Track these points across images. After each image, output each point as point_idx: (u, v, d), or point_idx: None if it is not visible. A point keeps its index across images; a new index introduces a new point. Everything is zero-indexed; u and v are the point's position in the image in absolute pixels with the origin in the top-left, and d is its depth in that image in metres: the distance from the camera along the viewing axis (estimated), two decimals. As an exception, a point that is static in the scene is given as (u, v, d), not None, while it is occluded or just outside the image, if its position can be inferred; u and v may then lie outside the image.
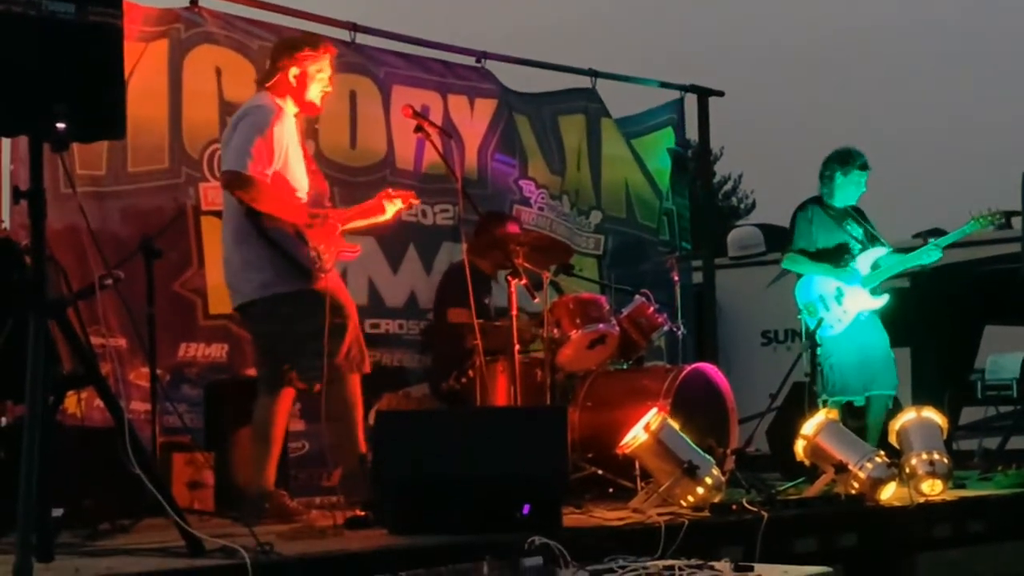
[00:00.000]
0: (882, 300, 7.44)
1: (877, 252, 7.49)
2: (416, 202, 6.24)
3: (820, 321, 7.21)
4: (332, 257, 5.62)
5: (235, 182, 5.48)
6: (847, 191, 7.54)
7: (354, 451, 5.59)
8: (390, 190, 6.01)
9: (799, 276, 7.58)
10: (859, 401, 7.41)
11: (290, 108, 5.73)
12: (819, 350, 7.04)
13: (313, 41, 5.93)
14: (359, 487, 5.49)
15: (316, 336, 5.47)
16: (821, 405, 6.86)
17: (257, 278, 5.56)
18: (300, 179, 5.72)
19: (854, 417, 7.42)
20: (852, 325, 7.38)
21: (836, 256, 7.45)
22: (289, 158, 5.63)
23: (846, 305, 7.38)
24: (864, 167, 7.52)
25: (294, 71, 5.71)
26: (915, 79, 65.81)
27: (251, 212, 5.50)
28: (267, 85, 5.75)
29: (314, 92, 5.79)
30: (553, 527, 4.70)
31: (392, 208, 5.92)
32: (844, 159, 7.53)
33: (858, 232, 7.54)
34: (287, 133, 5.64)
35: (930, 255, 7.48)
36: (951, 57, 65.57)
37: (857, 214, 7.62)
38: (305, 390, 5.66)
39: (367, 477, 5.41)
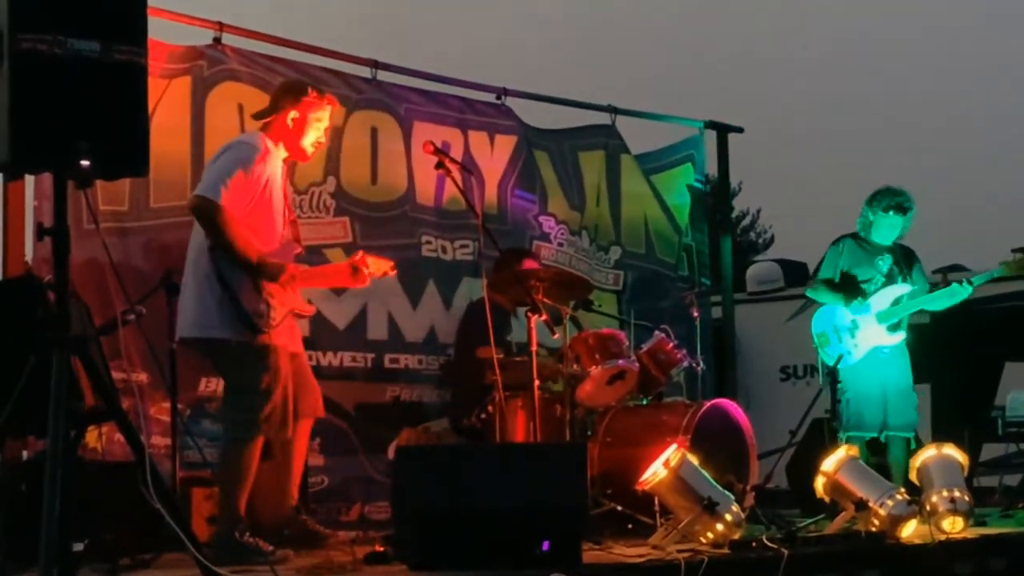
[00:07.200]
0: (899, 337, 7.41)
1: (900, 289, 7.45)
2: (392, 273, 6.15)
3: (840, 356, 7.18)
4: (284, 312, 5.52)
5: (203, 208, 5.39)
6: (881, 230, 7.53)
7: (229, 514, 5.39)
8: (365, 258, 5.90)
9: (820, 306, 7.60)
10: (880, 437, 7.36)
11: (279, 152, 5.70)
12: (838, 385, 7.01)
13: (319, 88, 5.93)
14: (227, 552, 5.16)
15: (240, 391, 5.48)
16: (842, 440, 6.82)
17: (196, 317, 5.49)
18: (276, 223, 5.63)
19: (876, 454, 7.39)
20: (872, 360, 7.35)
21: (849, 287, 7.44)
22: (270, 200, 5.57)
23: (859, 338, 7.36)
24: (893, 210, 7.45)
25: (293, 114, 5.69)
26: (936, 113, 65.76)
27: (212, 249, 5.41)
28: (261, 124, 5.73)
29: (309, 139, 5.77)
30: (572, 563, 4.70)
31: (364, 273, 5.85)
32: (872, 199, 7.54)
33: (885, 268, 7.51)
34: (270, 176, 5.58)
35: (963, 291, 7.31)
36: (977, 92, 65.53)
37: (900, 251, 7.59)
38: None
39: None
